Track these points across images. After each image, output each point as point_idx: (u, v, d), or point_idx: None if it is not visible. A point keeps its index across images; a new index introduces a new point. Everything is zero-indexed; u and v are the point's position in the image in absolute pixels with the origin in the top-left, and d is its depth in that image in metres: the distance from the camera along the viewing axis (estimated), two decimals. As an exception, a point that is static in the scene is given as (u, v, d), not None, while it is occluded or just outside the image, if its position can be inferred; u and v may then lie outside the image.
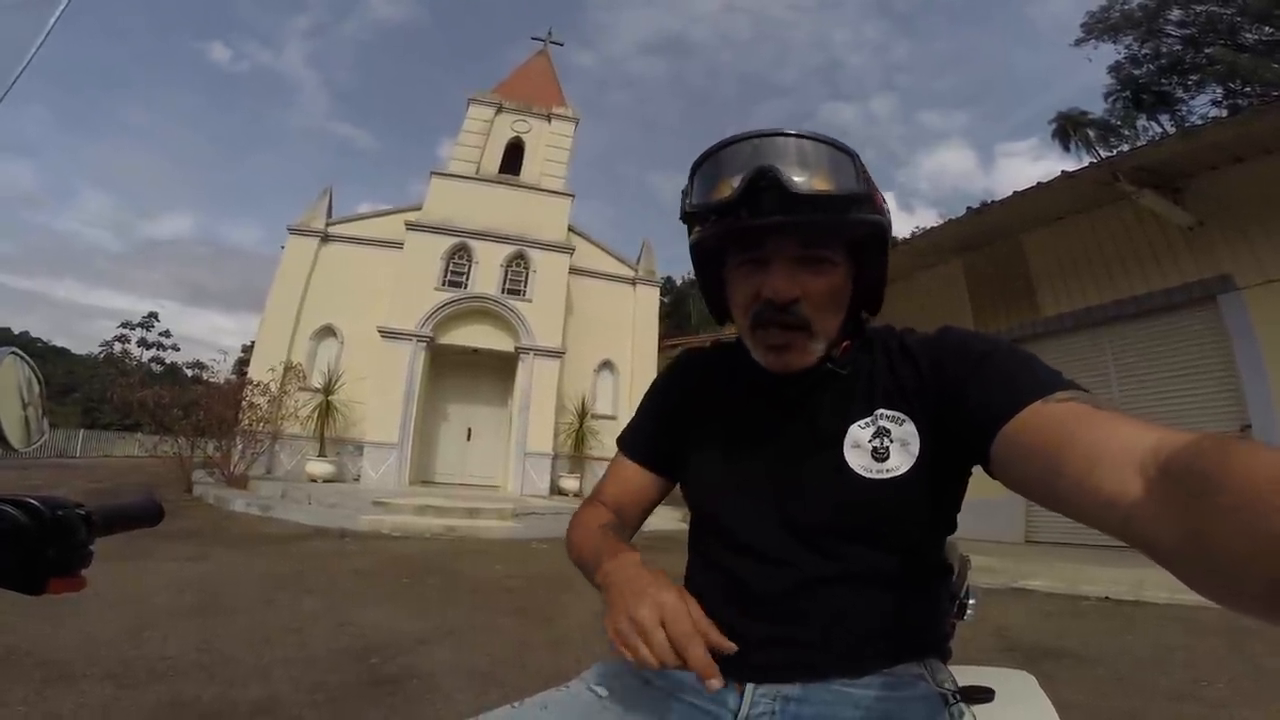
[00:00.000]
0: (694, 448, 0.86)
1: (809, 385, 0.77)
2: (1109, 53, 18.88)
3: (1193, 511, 0.37)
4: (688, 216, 0.75)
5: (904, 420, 0.73)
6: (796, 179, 0.65)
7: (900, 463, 0.71)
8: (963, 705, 0.74)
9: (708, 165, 0.72)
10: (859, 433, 0.74)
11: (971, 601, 0.90)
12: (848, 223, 0.70)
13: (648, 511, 0.94)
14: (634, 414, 0.96)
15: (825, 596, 0.72)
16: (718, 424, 0.84)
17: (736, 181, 0.67)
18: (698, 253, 0.79)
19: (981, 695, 0.76)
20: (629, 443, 0.94)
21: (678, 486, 0.92)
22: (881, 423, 0.74)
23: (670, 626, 0.59)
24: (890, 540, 0.73)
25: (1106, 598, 4.67)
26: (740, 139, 0.69)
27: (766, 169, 0.65)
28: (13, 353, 0.69)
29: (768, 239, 0.71)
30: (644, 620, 0.59)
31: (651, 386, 0.96)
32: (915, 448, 0.72)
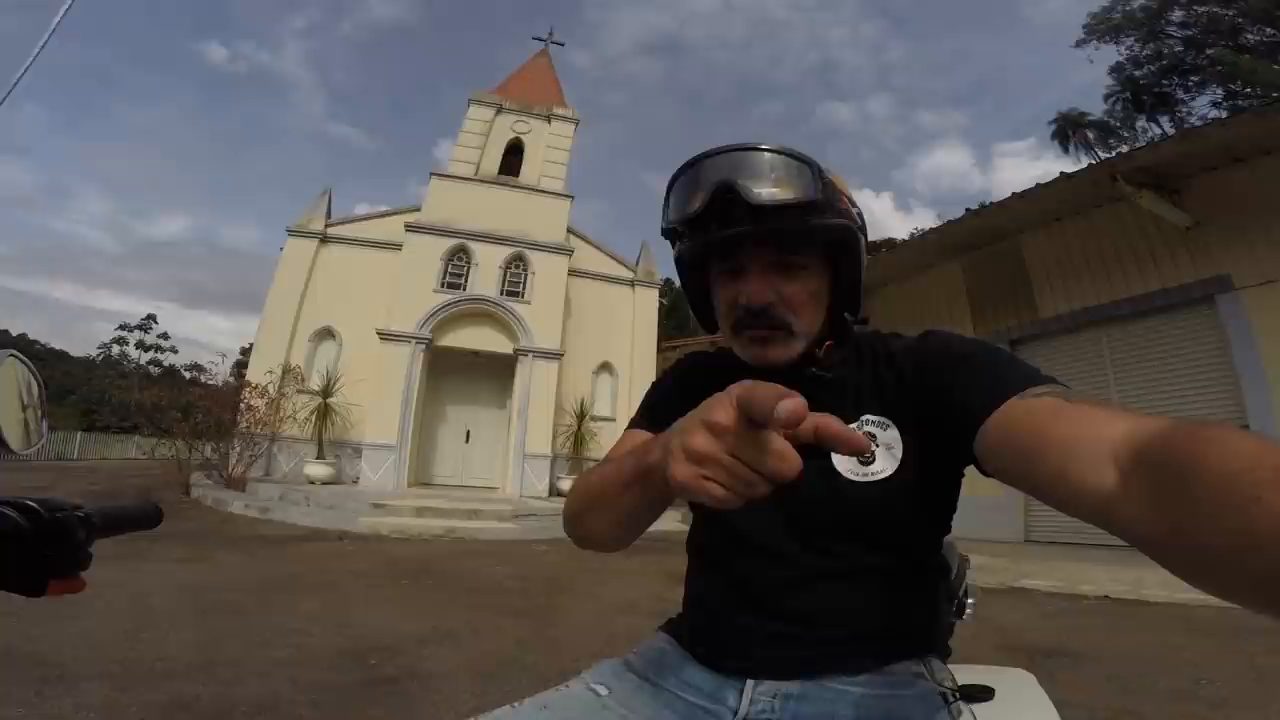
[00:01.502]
0: None
1: (796, 388, 0.78)
2: (1109, 54, 18.95)
3: (1171, 504, 0.37)
4: (666, 232, 0.80)
5: (889, 425, 0.75)
6: (756, 190, 0.69)
7: (885, 466, 0.73)
8: (962, 704, 0.75)
9: (678, 184, 0.76)
10: None
11: (971, 601, 0.91)
12: (811, 228, 0.73)
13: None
14: (641, 404, 0.95)
15: (822, 592, 0.73)
16: None
17: (699, 199, 0.72)
18: (681, 266, 0.83)
19: (981, 694, 0.77)
20: (646, 417, 0.90)
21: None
22: (867, 428, 0.75)
23: (734, 443, 0.49)
24: (883, 539, 0.74)
25: (1106, 597, 4.68)
26: (704, 157, 0.73)
27: (726, 183, 0.70)
28: (12, 354, 0.68)
29: (742, 248, 0.75)
30: (699, 449, 0.50)
31: (657, 382, 0.98)
32: (899, 452, 0.73)
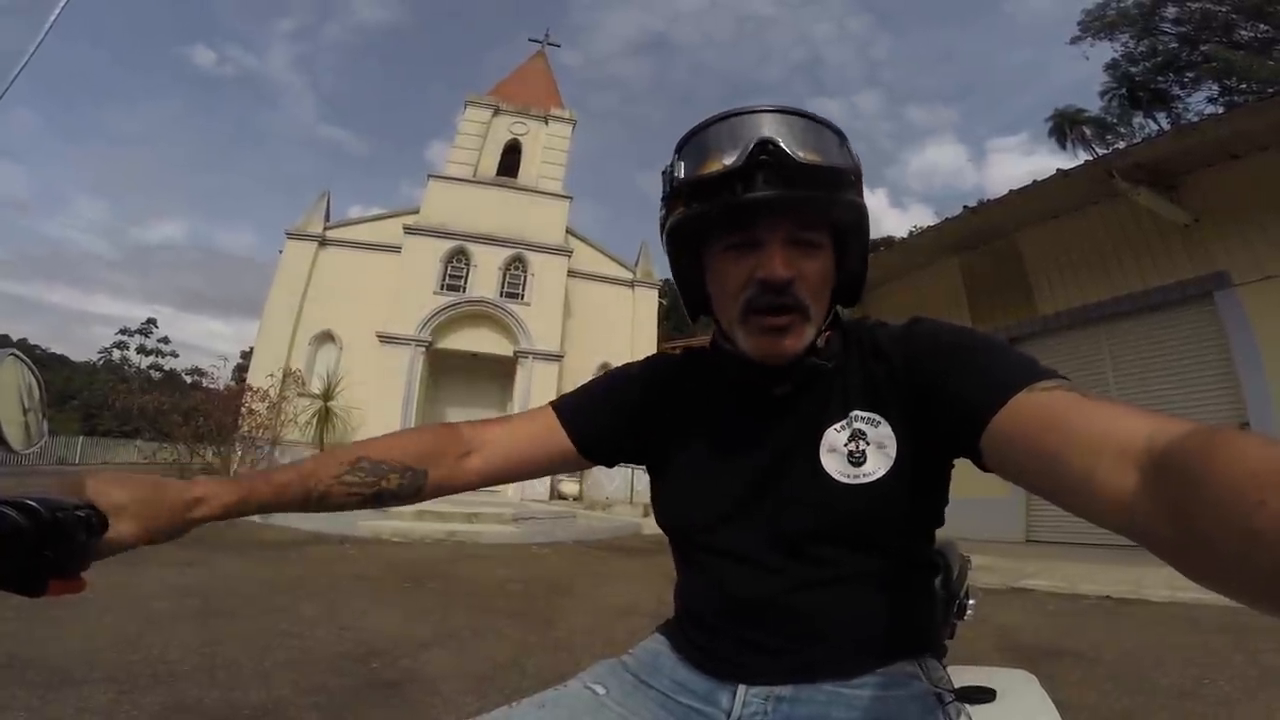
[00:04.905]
0: (668, 454, 0.83)
1: (791, 381, 0.75)
2: (1104, 50, 18.99)
3: (1182, 507, 0.37)
4: (672, 194, 0.71)
5: (880, 422, 0.72)
6: (798, 152, 0.64)
7: (877, 466, 0.70)
8: (959, 704, 0.74)
9: (699, 140, 0.70)
10: (834, 436, 0.72)
11: (971, 601, 0.90)
12: (840, 201, 0.69)
13: (528, 473, 0.88)
14: (581, 388, 0.90)
15: (814, 600, 0.71)
16: (693, 430, 0.81)
17: (732, 156, 0.65)
18: (678, 235, 0.74)
19: (982, 695, 0.76)
20: (570, 408, 0.87)
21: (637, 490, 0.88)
22: (857, 425, 0.72)
23: None
24: (875, 543, 0.71)
25: (1107, 596, 4.67)
26: (735, 113, 0.68)
27: (768, 140, 0.64)
28: (12, 354, 0.68)
29: (760, 219, 0.68)
30: None
31: (613, 374, 0.91)
32: (892, 450, 0.70)
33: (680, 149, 0.71)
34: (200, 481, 0.65)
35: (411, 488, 0.77)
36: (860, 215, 0.72)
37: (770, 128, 0.65)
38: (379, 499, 0.76)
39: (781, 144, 0.63)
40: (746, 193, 0.65)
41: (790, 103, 0.70)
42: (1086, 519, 0.49)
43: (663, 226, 0.74)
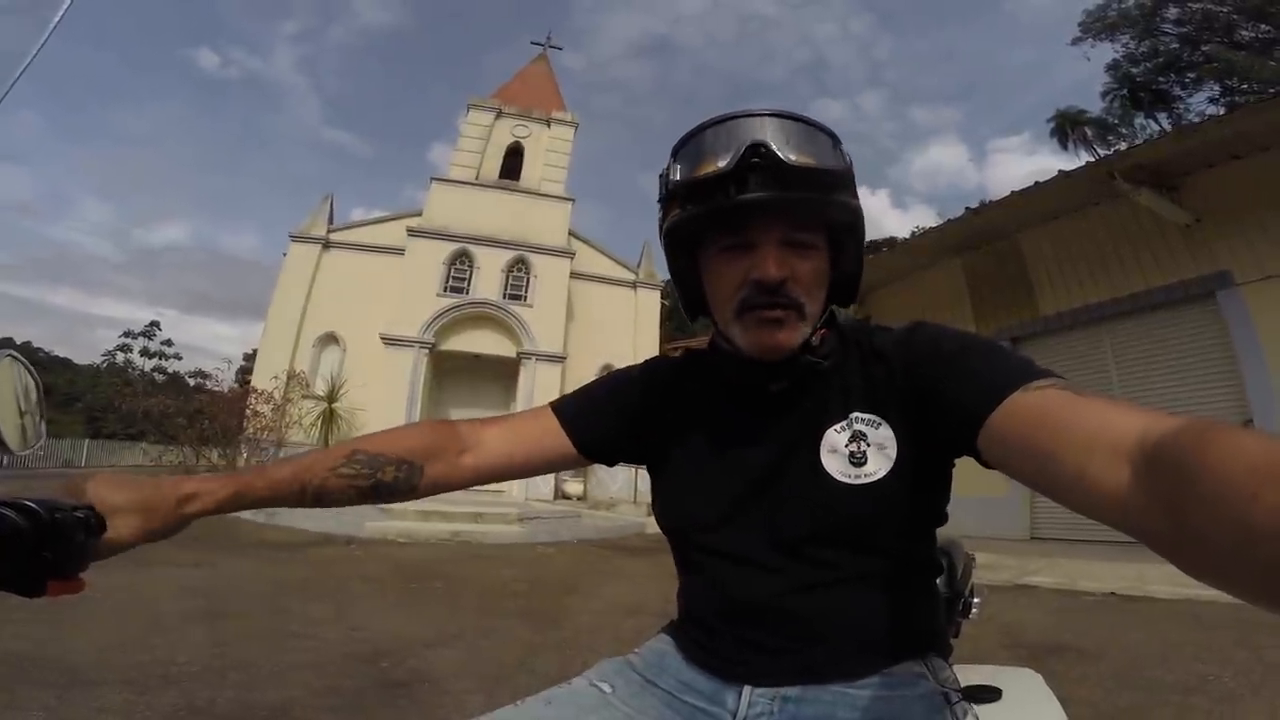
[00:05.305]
0: (668, 455, 0.84)
1: (788, 380, 0.75)
2: (1106, 51, 18.97)
3: (1176, 502, 0.38)
4: (668, 197, 0.73)
5: (880, 424, 0.72)
6: (789, 154, 0.66)
7: (878, 467, 0.70)
8: (966, 704, 0.74)
9: (694, 143, 0.71)
10: (835, 437, 0.73)
11: (976, 600, 0.91)
12: (833, 203, 0.70)
13: (525, 472, 0.89)
14: (582, 390, 0.91)
15: (816, 602, 0.71)
16: (693, 431, 0.82)
17: (725, 159, 0.66)
18: (674, 238, 0.76)
19: (988, 695, 0.77)
20: (571, 410, 0.87)
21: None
22: (858, 426, 0.72)
23: None
24: (876, 544, 0.72)
25: (1111, 593, 4.68)
26: (728, 117, 0.69)
27: (760, 143, 0.65)
28: (10, 355, 0.69)
29: (753, 221, 0.70)
30: None
31: (613, 377, 0.92)
32: (893, 451, 0.71)
33: (676, 152, 0.73)
34: (193, 478, 0.67)
35: (407, 482, 0.78)
36: (854, 216, 0.73)
37: (762, 131, 0.67)
38: (375, 491, 0.76)
39: (773, 146, 0.65)
40: (739, 195, 0.66)
41: (793, 105, 0.72)
42: (1083, 515, 0.49)
43: (661, 228, 0.76)
